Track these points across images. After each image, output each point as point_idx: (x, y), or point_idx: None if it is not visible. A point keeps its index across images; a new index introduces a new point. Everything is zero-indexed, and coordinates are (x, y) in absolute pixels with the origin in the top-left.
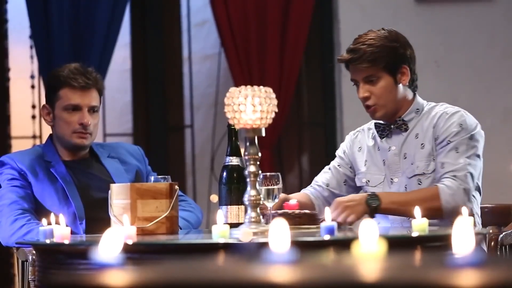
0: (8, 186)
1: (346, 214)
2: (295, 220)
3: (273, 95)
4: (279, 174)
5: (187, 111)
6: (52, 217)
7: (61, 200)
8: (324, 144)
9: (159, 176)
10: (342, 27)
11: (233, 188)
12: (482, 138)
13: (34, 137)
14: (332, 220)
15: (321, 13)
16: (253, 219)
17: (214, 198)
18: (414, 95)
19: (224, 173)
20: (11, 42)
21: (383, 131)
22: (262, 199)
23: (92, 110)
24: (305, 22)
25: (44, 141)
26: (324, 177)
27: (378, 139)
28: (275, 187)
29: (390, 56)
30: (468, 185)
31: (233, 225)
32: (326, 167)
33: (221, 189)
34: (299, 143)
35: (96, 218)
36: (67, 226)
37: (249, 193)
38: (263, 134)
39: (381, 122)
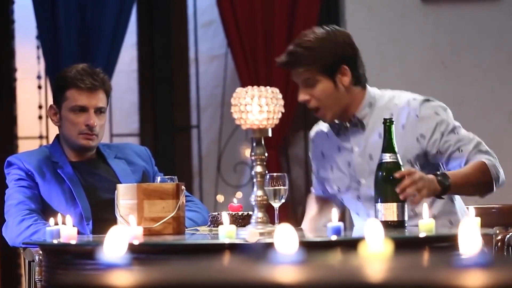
0: (15, 187)
1: (418, 187)
2: (238, 221)
3: (280, 96)
4: (285, 174)
5: (193, 112)
6: (59, 217)
7: (68, 201)
8: None
9: (166, 177)
10: (349, 27)
11: (389, 185)
12: (445, 108)
13: (40, 137)
14: (402, 188)
15: (327, 13)
16: (259, 220)
17: (221, 198)
18: (365, 88)
19: (380, 170)
20: (18, 42)
21: (339, 130)
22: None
23: (99, 111)
24: (311, 23)
25: (51, 142)
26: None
27: (339, 140)
28: (281, 187)
29: (327, 59)
30: (492, 154)
31: (391, 223)
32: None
33: (378, 186)
34: (305, 144)
35: (103, 218)
36: (74, 226)
37: (256, 194)
38: (270, 134)
39: (336, 121)
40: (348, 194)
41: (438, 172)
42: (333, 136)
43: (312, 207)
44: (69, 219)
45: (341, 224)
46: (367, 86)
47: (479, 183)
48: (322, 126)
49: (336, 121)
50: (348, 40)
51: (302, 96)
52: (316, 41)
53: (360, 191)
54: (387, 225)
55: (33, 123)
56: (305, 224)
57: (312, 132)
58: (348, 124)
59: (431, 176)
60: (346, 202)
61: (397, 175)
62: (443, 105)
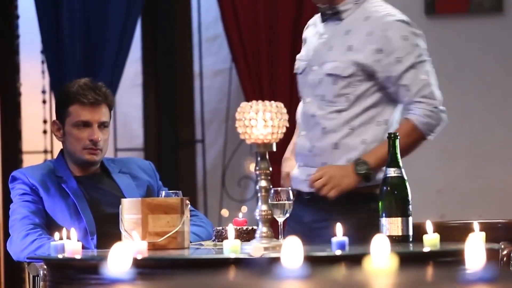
0: (19, 201)
1: (329, 187)
2: (243, 236)
3: (284, 110)
4: (289, 189)
5: (198, 126)
6: (64, 232)
7: (72, 215)
8: None
9: (170, 191)
10: None
11: (394, 200)
12: (420, 36)
13: (45, 152)
14: (316, 189)
15: None
16: (264, 234)
17: (225, 213)
18: None
19: (384, 185)
20: (23, 57)
21: (322, 15)
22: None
23: (102, 125)
24: None
25: (55, 156)
26: None
27: (321, 26)
28: (286, 202)
29: None
30: (436, 100)
31: (396, 238)
32: None
33: (382, 200)
34: None
35: (107, 233)
36: (78, 241)
37: (260, 208)
38: (274, 149)
39: (320, 6)
40: (300, 78)
41: (358, 160)
42: (319, 24)
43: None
44: (73, 233)
45: (345, 238)
46: None
47: (406, 146)
48: (315, 16)
49: (321, 6)
50: None
51: None
52: None
53: (307, 79)
54: (391, 239)
55: (37, 138)
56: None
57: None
58: (328, 12)
59: (348, 168)
60: (299, 87)
61: (311, 180)
62: (418, 33)
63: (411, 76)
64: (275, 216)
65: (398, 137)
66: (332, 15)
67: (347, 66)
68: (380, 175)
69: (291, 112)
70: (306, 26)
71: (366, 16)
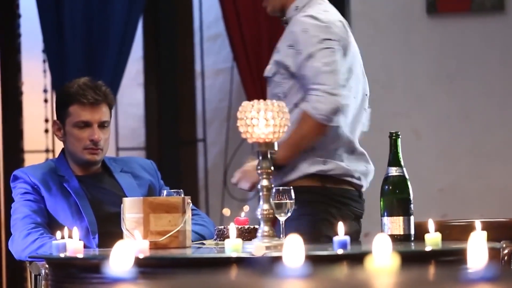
0: (21, 200)
1: (243, 180)
2: (244, 235)
3: (286, 109)
4: (291, 188)
5: (199, 125)
6: (65, 231)
7: (74, 215)
8: None
9: (172, 190)
10: (355, 41)
11: (395, 199)
12: (327, 27)
13: (47, 151)
14: (233, 184)
15: None
16: (266, 233)
17: (227, 212)
18: None
19: (386, 184)
20: (24, 56)
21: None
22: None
23: (103, 125)
24: None
25: (57, 155)
26: None
27: None
28: (287, 201)
29: None
30: (326, 85)
31: (397, 237)
32: None
33: (384, 200)
34: None
35: (109, 232)
36: (80, 240)
37: (262, 207)
38: (276, 148)
39: (278, 15)
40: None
41: None
42: None
43: None
44: (75, 232)
45: (347, 237)
46: None
47: (308, 135)
48: None
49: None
50: None
51: None
52: None
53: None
54: (393, 239)
55: (39, 137)
56: None
57: None
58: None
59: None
60: None
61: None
62: (323, 24)
63: (308, 66)
64: (276, 215)
65: (400, 136)
66: (284, 23)
67: (271, 67)
68: (303, 167)
69: None
70: None
71: (294, 20)
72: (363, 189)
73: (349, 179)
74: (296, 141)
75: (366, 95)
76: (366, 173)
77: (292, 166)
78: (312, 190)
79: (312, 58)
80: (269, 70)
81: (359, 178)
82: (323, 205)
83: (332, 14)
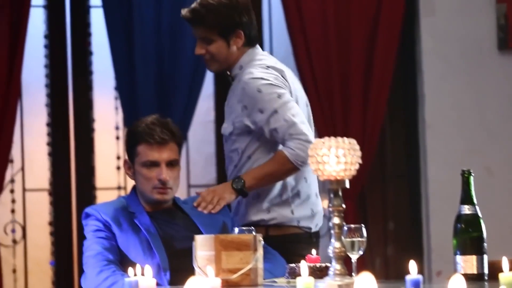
0: (93, 238)
1: (215, 200)
2: (316, 273)
3: (357, 147)
4: (362, 226)
5: None
6: (138, 268)
7: (145, 251)
8: (408, 196)
9: (243, 228)
10: (426, 77)
11: (468, 237)
12: (274, 83)
13: (119, 188)
14: (202, 207)
15: (403, 63)
16: (337, 272)
17: None
18: (254, 47)
19: (459, 222)
20: (96, 93)
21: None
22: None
23: (171, 164)
24: (387, 73)
25: (128, 192)
26: None
27: None
28: (359, 239)
29: (225, 23)
30: (303, 134)
31: (471, 276)
32: None
33: (457, 238)
34: (382, 195)
35: (180, 269)
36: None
37: (334, 245)
38: (347, 185)
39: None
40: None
41: (236, 177)
42: None
43: None
44: (148, 270)
45: (420, 276)
46: (257, 46)
47: (279, 173)
48: None
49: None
50: (245, 6)
51: (198, 50)
52: (219, 5)
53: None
54: (466, 278)
55: (111, 174)
56: None
57: None
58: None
59: (226, 184)
60: None
61: (197, 202)
62: (271, 82)
63: (277, 120)
64: (348, 253)
65: (472, 173)
66: (232, 79)
67: (228, 126)
68: (248, 215)
69: (364, 148)
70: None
71: (239, 79)
72: (313, 230)
73: (295, 224)
74: (267, 175)
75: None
76: (311, 216)
77: (243, 212)
78: None
79: (278, 114)
80: (225, 128)
81: (305, 222)
82: None
83: (275, 67)
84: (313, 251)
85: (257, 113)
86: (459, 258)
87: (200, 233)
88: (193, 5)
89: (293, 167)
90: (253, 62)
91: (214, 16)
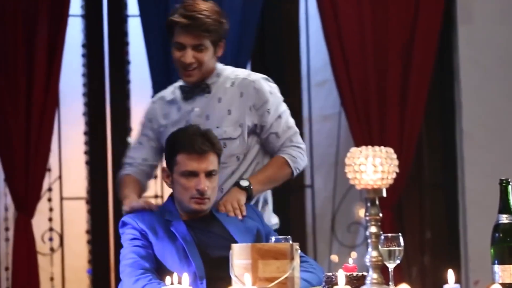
0: (129, 246)
1: (235, 205)
2: (353, 282)
3: (394, 156)
4: (400, 235)
5: (307, 171)
6: (175, 276)
7: (182, 259)
8: (445, 205)
9: (280, 237)
10: (464, 86)
11: (507, 246)
12: (278, 90)
13: (156, 196)
14: (229, 212)
15: (441, 72)
16: (374, 281)
17: (335, 258)
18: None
19: (497, 232)
20: (133, 102)
21: (188, 93)
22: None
23: (210, 174)
24: (424, 82)
25: (165, 200)
26: (140, 153)
27: (180, 103)
28: (396, 248)
29: (219, 31)
30: (302, 144)
31: (509, 286)
32: (135, 143)
33: (495, 247)
34: (419, 204)
35: (216, 277)
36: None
37: (371, 254)
38: (384, 194)
39: (188, 85)
40: None
41: (239, 179)
42: (177, 100)
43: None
44: (185, 278)
45: (457, 286)
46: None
47: (279, 178)
48: (165, 93)
49: (188, 85)
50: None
51: (190, 59)
52: (213, 13)
53: None
54: (504, 287)
55: (148, 182)
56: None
57: (154, 99)
58: (196, 89)
59: (231, 190)
60: None
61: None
62: (276, 87)
63: (280, 125)
64: (385, 262)
65: (510, 183)
66: (200, 90)
67: (234, 129)
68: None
69: (401, 157)
70: (149, 109)
71: (232, 82)
72: None
73: None
74: (270, 179)
75: None
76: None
77: None
78: None
79: (281, 119)
80: (231, 132)
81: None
82: None
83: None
84: (350, 260)
85: (265, 113)
86: (497, 267)
87: (235, 241)
88: (189, 12)
89: (291, 172)
90: (226, 69)
91: (213, 23)
